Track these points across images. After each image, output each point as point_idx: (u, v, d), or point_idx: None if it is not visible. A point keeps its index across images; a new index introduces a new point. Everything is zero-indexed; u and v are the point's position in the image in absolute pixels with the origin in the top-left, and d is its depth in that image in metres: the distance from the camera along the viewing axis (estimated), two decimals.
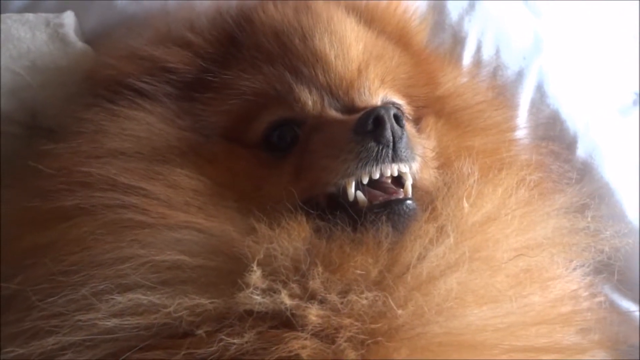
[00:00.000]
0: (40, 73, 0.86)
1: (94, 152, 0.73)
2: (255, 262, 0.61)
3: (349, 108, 0.77)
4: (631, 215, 1.00)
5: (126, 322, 0.60)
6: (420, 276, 0.62)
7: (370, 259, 0.63)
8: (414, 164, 0.73)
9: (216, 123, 0.79)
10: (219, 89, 0.79)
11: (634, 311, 0.91)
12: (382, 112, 0.68)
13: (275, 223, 0.65)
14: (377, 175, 0.69)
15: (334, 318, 0.60)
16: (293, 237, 0.65)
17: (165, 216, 0.67)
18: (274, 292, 0.60)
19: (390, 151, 0.68)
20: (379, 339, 0.59)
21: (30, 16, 0.90)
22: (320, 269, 0.62)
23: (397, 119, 0.69)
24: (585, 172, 1.01)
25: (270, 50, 0.81)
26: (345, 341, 0.59)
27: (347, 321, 0.60)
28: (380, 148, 0.68)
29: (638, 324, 0.95)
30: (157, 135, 0.76)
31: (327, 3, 0.88)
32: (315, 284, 0.61)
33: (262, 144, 0.77)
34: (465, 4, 1.10)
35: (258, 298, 0.60)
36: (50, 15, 0.90)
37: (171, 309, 0.60)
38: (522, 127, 1.03)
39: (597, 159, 1.03)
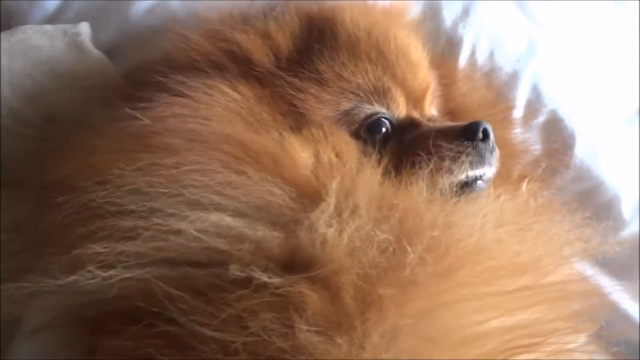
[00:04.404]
0: (59, 78, 0.90)
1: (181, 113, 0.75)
2: (332, 196, 0.67)
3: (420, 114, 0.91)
4: (627, 215, 1.01)
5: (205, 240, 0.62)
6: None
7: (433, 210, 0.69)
8: None
9: (312, 109, 0.82)
10: (316, 80, 0.85)
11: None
12: (487, 126, 0.82)
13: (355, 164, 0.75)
14: (479, 174, 0.82)
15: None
16: (369, 179, 0.71)
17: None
18: (341, 230, 0.64)
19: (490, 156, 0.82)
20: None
21: (48, 27, 0.93)
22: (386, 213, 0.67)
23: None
24: (582, 171, 1.03)
25: (368, 52, 0.88)
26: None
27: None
28: (488, 152, 0.82)
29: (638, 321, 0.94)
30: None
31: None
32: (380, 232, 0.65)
33: (356, 132, 0.84)
34: (459, 10, 1.13)
35: (323, 228, 0.63)
36: (67, 26, 0.94)
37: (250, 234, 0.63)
38: (520, 125, 1.05)
39: (594, 158, 1.04)
